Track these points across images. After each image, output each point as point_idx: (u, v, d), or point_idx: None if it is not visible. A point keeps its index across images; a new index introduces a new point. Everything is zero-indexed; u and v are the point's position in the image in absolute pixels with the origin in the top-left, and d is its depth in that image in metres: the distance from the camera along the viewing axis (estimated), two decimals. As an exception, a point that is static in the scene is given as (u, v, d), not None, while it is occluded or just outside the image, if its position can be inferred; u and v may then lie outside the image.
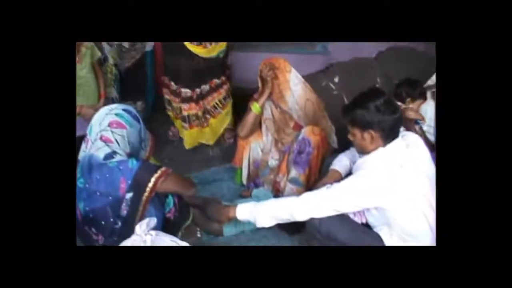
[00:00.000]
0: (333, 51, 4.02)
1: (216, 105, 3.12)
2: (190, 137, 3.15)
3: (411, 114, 2.65)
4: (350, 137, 1.91)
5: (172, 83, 2.97)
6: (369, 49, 4.16)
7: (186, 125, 3.08)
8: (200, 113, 3.03)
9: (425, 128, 2.78)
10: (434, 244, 1.80)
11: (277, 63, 2.41)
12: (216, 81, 3.04)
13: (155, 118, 3.48)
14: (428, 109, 2.84)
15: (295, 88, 2.42)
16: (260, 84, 2.46)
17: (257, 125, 2.57)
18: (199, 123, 3.08)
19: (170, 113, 3.20)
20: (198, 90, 2.95)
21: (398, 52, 4.13)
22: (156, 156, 3.05)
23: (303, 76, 3.77)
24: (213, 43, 2.83)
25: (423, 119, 2.71)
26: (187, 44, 2.71)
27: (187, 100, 2.97)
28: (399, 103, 2.73)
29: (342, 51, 4.04)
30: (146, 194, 1.84)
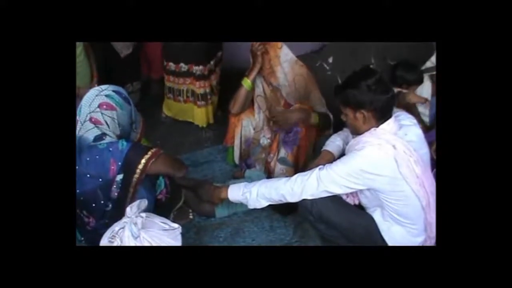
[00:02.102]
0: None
1: (218, 82, 3.14)
2: (206, 114, 3.13)
3: (412, 99, 2.64)
4: (343, 117, 1.89)
5: (182, 64, 2.91)
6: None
7: (203, 102, 3.05)
8: (208, 90, 3.02)
9: (420, 109, 2.78)
10: (424, 225, 1.82)
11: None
12: (218, 54, 3.05)
13: (148, 99, 3.46)
14: (423, 91, 2.82)
15: (285, 64, 2.41)
16: (251, 59, 2.44)
17: (249, 102, 2.55)
18: (210, 100, 3.09)
19: (170, 101, 3.16)
20: (208, 66, 2.94)
21: (392, 32, 4.10)
22: (148, 137, 3.04)
23: (297, 57, 3.78)
24: None
25: (426, 101, 2.71)
26: None
27: (201, 77, 2.94)
28: (398, 89, 2.71)
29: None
30: (136, 175, 1.83)
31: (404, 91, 2.77)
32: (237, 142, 2.62)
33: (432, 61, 2.75)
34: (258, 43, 2.35)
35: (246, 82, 2.43)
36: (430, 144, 2.24)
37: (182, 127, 3.23)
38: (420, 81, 2.81)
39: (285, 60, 2.39)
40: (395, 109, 1.89)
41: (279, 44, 2.37)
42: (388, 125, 1.79)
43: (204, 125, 3.16)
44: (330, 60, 3.70)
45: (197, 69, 2.89)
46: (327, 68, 3.66)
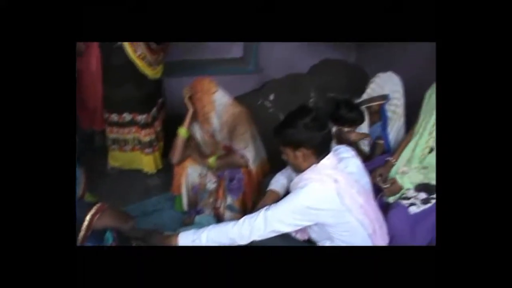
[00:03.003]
0: (266, 68, 4.07)
1: (161, 128, 3.15)
2: (154, 160, 3.12)
3: (354, 137, 2.71)
4: (283, 157, 1.91)
5: (125, 114, 2.89)
6: (302, 64, 4.25)
7: (150, 149, 3.05)
8: (153, 137, 3.03)
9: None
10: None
11: (200, 85, 2.41)
12: (159, 101, 3.08)
13: (91, 151, 3.40)
14: (362, 125, 2.90)
15: (219, 108, 2.42)
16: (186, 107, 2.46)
17: (192, 149, 2.53)
18: (157, 146, 3.09)
19: (115, 152, 3.11)
20: (151, 113, 2.96)
21: (330, 65, 4.23)
22: (95, 190, 2.97)
23: (237, 96, 3.83)
24: (159, 66, 2.83)
25: (367, 136, 2.79)
26: (140, 65, 2.66)
27: (146, 125, 2.94)
28: (340, 127, 2.78)
29: (275, 68, 4.10)
30: (81, 233, 1.77)
31: (346, 129, 2.81)
32: (184, 191, 2.60)
33: (368, 93, 2.84)
34: (189, 90, 2.39)
35: (182, 131, 2.44)
36: (371, 172, 2.32)
37: (129, 177, 3.19)
38: (361, 121, 2.84)
39: (220, 103, 2.42)
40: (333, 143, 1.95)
41: (213, 88, 2.40)
42: (328, 160, 1.83)
43: (154, 171, 3.15)
44: (271, 97, 3.77)
45: (141, 118, 2.89)
46: (269, 105, 3.73)
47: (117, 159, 3.15)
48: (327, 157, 1.83)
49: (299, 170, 1.88)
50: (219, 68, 3.97)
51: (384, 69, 3.31)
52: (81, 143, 3.25)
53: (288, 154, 1.86)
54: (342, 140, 2.71)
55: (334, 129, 2.80)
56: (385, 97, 2.75)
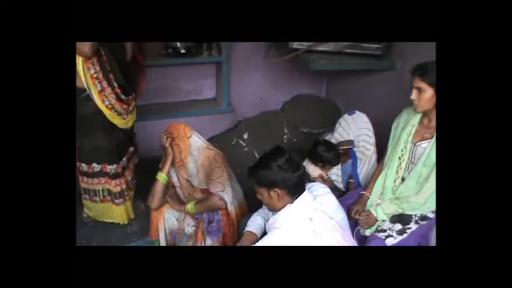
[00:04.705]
0: (238, 107, 4.12)
1: (132, 177, 3.10)
2: (125, 211, 3.07)
3: (318, 179, 2.75)
4: (258, 196, 1.93)
5: (94, 164, 2.85)
6: (275, 100, 4.32)
7: (120, 200, 2.99)
8: (124, 187, 2.98)
9: (333, 178, 2.90)
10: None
11: (176, 131, 2.42)
12: (130, 149, 3.04)
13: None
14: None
15: (195, 152, 2.43)
16: (163, 153, 2.46)
17: (170, 195, 2.53)
18: (128, 196, 3.04)
19: (87, 202, 3.07)
20: (121, 163, 2.91)
21: (302, 100, 4.32)
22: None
23: (212, 137, 3.86)
24: (130, 115, 2.82)
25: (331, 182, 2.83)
26: (108, 115, 2.66)
27: (115, 176, 2.89)
28: (313, 166, 2.81)
29: (247, 106, 4.16)
30: None
31: (318, 172, 2.83)
32: (162, 235, 2.57)
33: (335, 138, 2.87)
34: (166, 136, 2.39)
35: (161, 176, 2.43)
36: (347, 206, 2.35)
37: (106, 225, 3.12)
38: (336, 163, 2.85)
39: (195, 148, 2.42)
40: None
41: (189, 133, 2.42)
42: (303, 199, 1.86)
43: (125, 222, 3.09)
44: (246, 136, 3.82)
45: (111, 168, 2.85)
46: (244, 144, 3.77)
47: (90, 208, 3.10)
48: (301, 196, 1.86)
49: (274, 209, 1.90)
50: (192, 110, 4.00)
51: (353, 103, 3.41)
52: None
53: (263, 194, 1.88)
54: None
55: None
56: (350, 143, 2.80)
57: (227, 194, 2.41)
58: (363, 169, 2.77)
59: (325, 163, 2.80)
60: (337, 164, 2.84)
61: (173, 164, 2.45)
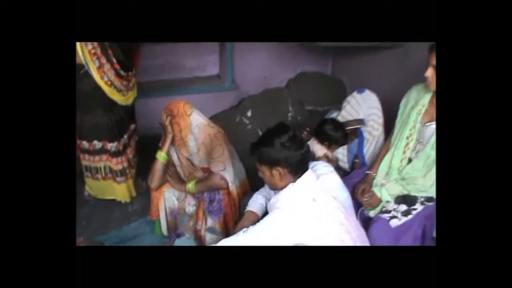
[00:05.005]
0: (242, 85, 4.05)
1: (134, 155, 3.07)
2: (127, 189, 3.05)
3: (322, 157, 2.67)
4: (260, 174, 1.88)
5: (95, 142, 2.81)
6: (279, 78, 4.24)
7: (122, 178, 2.97)
8: (126, 165, 2.94)
9: (339, 157, 2.83)
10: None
11: (176, 109, 2.36)
12: (131, 126, 3.00)
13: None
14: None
15: (195, 130, 2.37)
16: (162, 131, 2.40)
17: (170, 174, 2.48)
18: (130, 174, 3.01)
19: (88, 180, 3.04)
20: (122, 141, 2.87)
21: (307, 78, 4.24)
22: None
23: (215, 115, 3.80)
24: (130, 92, 2.77)
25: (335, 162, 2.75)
26: (107, 92, 2.61)
27: (117, 154, 2.86)
28: (319, 145, 2.74)
29: (252, 84, 4.09)
30: None
31: (323, 151, 2.75)
32: (162, 215, 2.53)
33: (343, 116, 2.79)
34: (165, 114, 2.33)
35: (161, 155, 2.37)
36: (352, 186, 2.29)
37: (107, 203, 3.11)
38: (343, 143, 2.77)
39: (195, 125, 2.36)
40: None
41: (189, 110, 2.35)
42: (306, 178, 1.80)
43: (128, 200, 3.06)
44: (249, 113, 3.75)
45: (112, 145, 2.81)
46: (247, 122, 3.71)
47: (91, 187, 3.07)
48: (304, 175, 1.80)
49: (275, 188, 1.84)
50: (195, 87, 3.93)
51: (360, 81, 3.32)
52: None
53: (264, 172, 1.83)
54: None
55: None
56: (361, 122, 2.72)
57: (228, 173, 2.35)
58: (370, 149, 2.70)
59: (332, 143, 2.72)
60: (344, 144, 2.77)
61: (173, 142, 2.39)
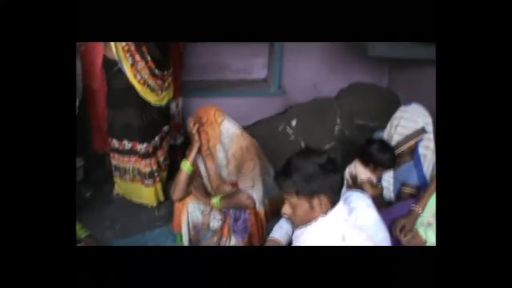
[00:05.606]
0: (289, 91, 3.84)
1: (165, 157, 2.91)
2: (154, 193, 2.92)
3: (369, 189, 2.35)
4: (286, 211, 1.62)
5: (125, 141, 2.71)
6: (331, 86, 3.99)
7: (150, 181, 2.85)
8: (155, 168, 2.82)
9: (384, 184, 2.52)
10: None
11: (205, 115, 2.18)
12: (164, 128, 2.87)
13: (101, 174, 3.25)
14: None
15: (226, 140, 2.19)
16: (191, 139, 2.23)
17: (195, 186, 2.30)
18: (159, 177, 2.89)
19: (117, 180, 2.96)
20: (153, 143, 2.75)
21: (359, 89, 3.97)
22: (99, 215, 2.86)
23: (258, 121, 3.61)
24: (165, 92, 2.63)
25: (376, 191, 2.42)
26: (140, 91, 2.47)
27: (146, 155, 2.75)
28: (363, 168, 2.45)
29: (299, 91, 3.87)
30: None
31: (364, 176, 2.44)
32: (184, 229, 2.35)
33: (400, 133, 2.42)
34: (194, 122, 2.16)
35: (186, 165, 2.21)
36: (393, 221, 2.01)
37: (135, 205, 3.01)
38: (391, 167, 2.45)
39: (226, 136, 2.19)
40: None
41: (220, 118, 2.17)
42: (337, 211, 1.56)
43: (154, 204, 2.92)
44: (294, 123, 3.52)
45: (141, 147, 2.69)
46: (290, 132, 3.49)
47: (120, 186, 2.97)
48: (336, 207, 1.57)
49: (303, 222, 1.61)
50: (239, 89, 3.75)
51: (417, 95, 3.02)
52: (91, 165, 3.13)
53: (301, 206, 1.57)
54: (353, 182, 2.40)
55: (347, 172, 2.48)
56: (422, 131, 2.39)
57: (256, 191, 2.15)
58: (430, 167, 2.37)
59: (378, 166, 2.41)
60: (391, 168, 2.45)
61: (200, 152, 2.21)
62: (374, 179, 2.42)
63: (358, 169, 2.43)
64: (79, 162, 3.02)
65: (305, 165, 1.54)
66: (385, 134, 2.51)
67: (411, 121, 2.41)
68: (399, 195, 2.44)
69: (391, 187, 2.48)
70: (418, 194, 2.32)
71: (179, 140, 3.37)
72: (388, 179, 2.48)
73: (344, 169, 2.34)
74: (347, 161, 2.54)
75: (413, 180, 2.40)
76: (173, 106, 3.24)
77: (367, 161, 2.42)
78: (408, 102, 2.58)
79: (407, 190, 2.39)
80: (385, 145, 2.41)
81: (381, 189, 2.45)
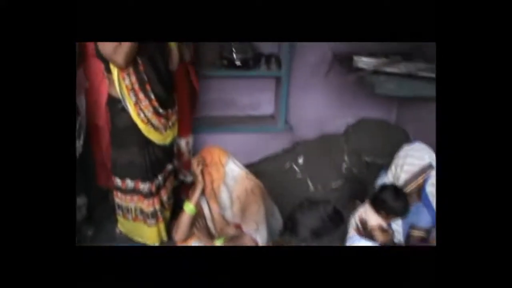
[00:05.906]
0: (296, 127, 3.79)
1: (169, 197, 2.86)
2: (157, 233, 2.83)
3: (380, 236, 2.27)
4: None
5: (128, 180, 2.66)
6: (338, 122, 3.94)
7: (153, 221, 2.77)
8: (158, 207, 2.76)
9: (394, 227, 2.43)
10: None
11: (210, 156, 2.14)
12: (168, 167, 2.82)
13: (101, 211, 3.19)
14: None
15: (230, 182, 2.15)
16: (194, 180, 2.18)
17: (198, 228, 2.24)
18: (161, 217, 2.81)
19: (120, 218, 2.90)
20: (156, 182, 2.70)
21: (368, 125, 3.92)
22: None
23: (264, 158, 3.55)
24: (169, 131, 2.60)
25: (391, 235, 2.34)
26: (143, 130, 2.45)
27: (149, 195, 2.68)
28: (374, 214, 2.37)
29: (307, 127, 3.82)
30: None
31: (375, 222, 2.35)
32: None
33: (406, 171, 2.38)
34: (197, 163, 2.11)
35: (188, 207, 2.16)
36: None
37: (137, 244, 2.92)
38: (403, 214, 2.34)
39: (231, 177, 2.14)
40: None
41: (224, 159, 2.13)
42: None
43: (157, 244, 2.84)
44: (301, 160, 3.47)
45: (144, 186, 2.64)
46: (297, 170, 3.43)
47: (123, 225, 2.91)
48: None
49: None
50: (246, 126, 3.71)
51: (426, 132, 2.97)
52: (95, 200, 3.08)
53: None
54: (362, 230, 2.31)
55: (357, 216, 2.41)
56: (430, 167, 2.33)
57: (260, 234, 2.09)
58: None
59: (390, 213, 2.32)
60: (403, 216, 2.35)
61: (204, 193, 2.16)
62: (384, 224, 2.33)
63: (368, 214, 2.34)
64: (82, 201, 2.98)
65: (311, 219, 1.52)
66: (389, 175, 2.45)
67: (418, 159, 2.36)
68: (408, 238, 2.36)
69: (400, 229, 2.39)
70: (428, 236, 2.24)
71: (189, 178, 3.32)
72: (397, 222, 2.40)
73: (348, 215, 2.27)
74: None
75: (423, 222, 2.32)
76: (183, 143, 3.20)
77: (379, 208, 2.34)
78: (416, 138, 2.53)
79: (417, 233, 2.32)
80: (398, 192, 2.33)
81: (392, 234, 2.36)
